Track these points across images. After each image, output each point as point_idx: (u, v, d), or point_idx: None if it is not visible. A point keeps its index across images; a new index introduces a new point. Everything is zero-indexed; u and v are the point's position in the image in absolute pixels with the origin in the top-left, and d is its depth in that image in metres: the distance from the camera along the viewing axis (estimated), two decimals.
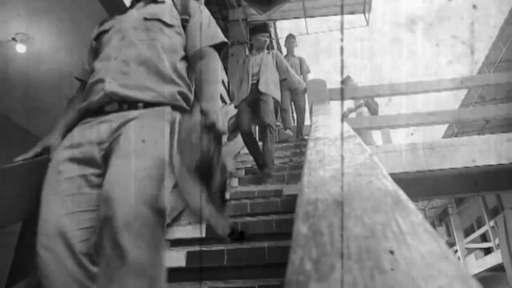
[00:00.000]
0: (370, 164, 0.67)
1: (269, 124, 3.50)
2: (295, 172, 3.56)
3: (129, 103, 1.13)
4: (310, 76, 6.01)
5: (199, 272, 2.04)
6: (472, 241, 14.08)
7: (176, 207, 2.55)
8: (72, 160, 1.10)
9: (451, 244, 15.29)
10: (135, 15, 1.31)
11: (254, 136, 3.70)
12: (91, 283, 0.95)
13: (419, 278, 0.30)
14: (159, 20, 1.26)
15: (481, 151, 3.81)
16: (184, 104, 1.23)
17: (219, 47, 1.33)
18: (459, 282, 0.31)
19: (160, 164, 1.03)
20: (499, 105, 4.87)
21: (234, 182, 3.50)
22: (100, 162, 1.08)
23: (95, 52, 1.34)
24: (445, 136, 12.61)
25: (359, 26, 8.92)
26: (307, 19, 8.56)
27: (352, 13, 8.43)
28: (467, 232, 15.05)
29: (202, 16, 1.35)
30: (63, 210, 1.02)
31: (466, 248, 14.33)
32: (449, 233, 16.42)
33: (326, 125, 1.66)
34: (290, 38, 6.20)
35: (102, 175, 1.05)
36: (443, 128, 12.87)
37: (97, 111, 1.16)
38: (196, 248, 2.13)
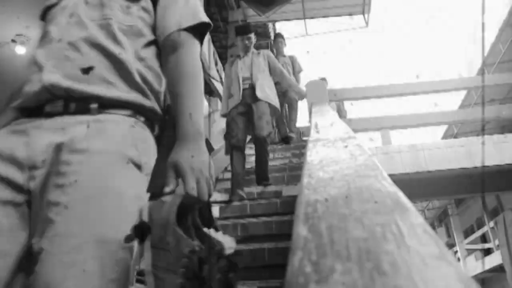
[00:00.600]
0: (370, 166, 0.67)
1: (265, 137, 3.20)
2: (294, 173, 3.57)
3: (77, 101, 0.81)
4: (303, 75, 5.74)
5: None
6: (472, 242, 14.07)
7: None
8: None
9: (451, 245, 15.29)
10: None
11: (244, 152, 3.29)
12: None
13: (419, 280, 0.30)
14: None
15: (480, 152, 3.82)
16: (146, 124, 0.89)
17: (200, 31, 0.97)
18: (458, 284, 0.31)
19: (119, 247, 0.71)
20: (498, 106, 4.87)
21: None
22: (26, 189, 0.75)
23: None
24: (445, 137, 12.62)
25: (359, 27, 8.94)
26: (307, 20, 8.58)
27: (351, 14, 8.44)
28: (467, 233, 15.04)
29: None
30: None
31: (466, 249, 14.32)
32: (449, 234, 16.42)
33: (325, 126, 1.66)
34: (278, 38, 5.79)
35: (27, 202, 0.75)
36: (442, 129, 12.88)
37: (34, 111, 0.83)
38: None
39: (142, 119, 0.87)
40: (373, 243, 0.37)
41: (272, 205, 2.71)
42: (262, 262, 1.96)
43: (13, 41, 3.60)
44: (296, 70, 5.48)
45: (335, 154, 0.85)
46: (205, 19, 0.97)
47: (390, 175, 0.61)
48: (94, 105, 0.80)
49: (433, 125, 4.33)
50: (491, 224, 11.89)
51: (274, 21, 8.59)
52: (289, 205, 2.66)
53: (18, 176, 0.74)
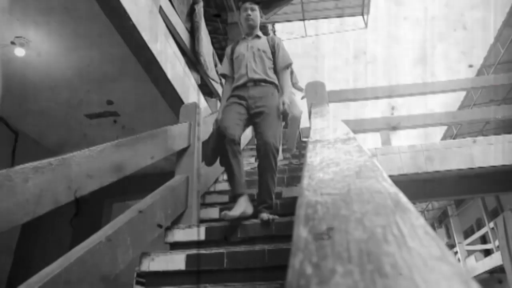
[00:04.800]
0: (370, 166, 0.67)
1: None
2: (294, 174, 3.56)
3: None
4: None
5: (198, 275, 2.03)
6: (472, 243, 14.07)
7: (175, 209, 2.54)
8: None
9: (451, 246, 15.28)
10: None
11: None
12: None
13: (421, 282, 0.30)
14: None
15: (480, 153, 3.81)
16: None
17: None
18: (460, 284, 0.31)
19: None
20: (498, 106, 4.88)
21: None
22: None
23: None
24: (444, 137, 12.62)
25: (358, 29, 8.95)
26: (306, 21, 8.58)
27: (351, 15, 8.45)
28: (467, 234, 15.04)
29: None
30: None
31: (466, 250, 14.32)
32: (449, 235, 16.41)
33: (325, 127, 1.65)
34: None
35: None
36: (442, 130, 12.88)
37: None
38: (196, 251, 2.12)
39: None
40: (374, 244, 0.37)
41: (272, 207, 2.70)
42: (262, 264, 1.96)
43: (12, 43, 3.60)
44: (293, 81, 4.98)
45: (335, 155, 0.84)
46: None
47: (390, 176, 0.60)
48: None
49: (432, 126, 4.33)
50: (491, 225, 11.89)
51: (273, 22, 8.60)
52: (289, 207, 2.66)
53: None
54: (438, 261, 0.33)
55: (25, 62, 3.84)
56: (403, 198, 0.48)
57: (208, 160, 2.71)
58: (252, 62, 2.81)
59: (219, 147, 2.57)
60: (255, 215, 2.44)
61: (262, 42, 2.93)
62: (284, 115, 2.64)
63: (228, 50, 3.06)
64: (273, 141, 2.49)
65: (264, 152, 2.50)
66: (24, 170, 1.26)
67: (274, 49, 2.90)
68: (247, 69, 2.79)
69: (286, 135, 4.84)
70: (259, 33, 3.02)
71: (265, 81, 2.75)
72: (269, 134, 2.52)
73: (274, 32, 9.34)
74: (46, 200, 1.36)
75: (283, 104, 2.63)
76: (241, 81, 2.78)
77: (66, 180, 1.53)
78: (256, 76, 2.76)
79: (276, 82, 2.81)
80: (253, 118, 2.67)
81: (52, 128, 5.03)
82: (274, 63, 2.87)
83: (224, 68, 3.01)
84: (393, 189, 0.52)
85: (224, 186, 3.59)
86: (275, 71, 2.86)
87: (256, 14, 2.98)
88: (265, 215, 2.36)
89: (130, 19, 3.15)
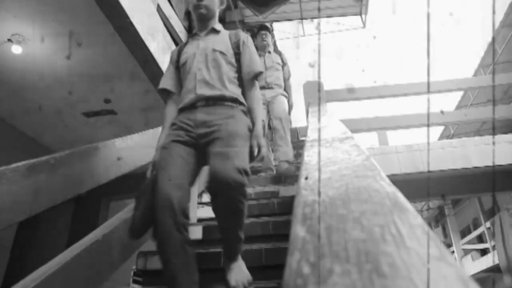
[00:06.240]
0: (368, 166, 0.67)
1: None
2: (292, 173, 3.56)
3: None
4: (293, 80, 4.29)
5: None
6: (469, 242, 14.12)
7: None
8: None
9: (448, 245, 15.33)
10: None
11: None
12: None
13: (419, 281, 0.30)
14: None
15: (477, 153, 3.82)
16: None
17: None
18: (458, 284, 0.31)
19: None
20: (496, 106, 4.89)
21: None
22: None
23: None
24: (442, 137, 12.65)
25: (355, 29, 8.96)
26: (304, 21, 8.58)
27: (348, 15, 8.45)
28: (464, 233, 15.09)
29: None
30: None
31: (463, 249, 14.37)
32: (445, 234, 16.47)
33: (323, 126, 1.65)
34: (262, 30, 4.06)
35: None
36: (439, 129, 12.92)
37: None
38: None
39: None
40: (372, 244, 0.37)
41: (270, 206, 2.70)
42: (259, 263, 1.96)
43: (9, 40, 3.58)
44: (285, 75, 4.15)
45: (332, 155, 0.84)
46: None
47: (387, 175, 0.60)
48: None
49: (431, 126, 4.34)
50: (488, 224, 11.94)
51: (271, 22, 8.59)
52: (287, 206, 2.66)
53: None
54: (436, 261, 0.33)
55: (22, 59, 3.82)
56: (401, 198, 0.48)
57: (135, 230, 1.60)
58: (204, 69, 1.86)
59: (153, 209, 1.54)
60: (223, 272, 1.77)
61: (221, 39, 1.98)
62: (252, 158, 1.76)
63: (173, 53, 2.09)
64: (236, 175, 1.50)
65: (224, 198, 1.54)
66: (21, 168, 1.25)
67: (238, 50, 1.95)
68: (195, 81, 1.84)
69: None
70: (217, 26, 2.05)
71: (223, 98, 1.81)
72: (228, 163, 1.53)
73: (272, 31, 9.30)
74: (43, 198, 1.36)
75: (259, 149, 1.77)
76: (187, 100, 1.84)
77: (63, 179, 1.52)
78: (209, 92, 1.81)
79: (242, 99, 1.88)
80: (203, 149, 1.72)
81: (49, 126, 5.02)
82: (239, 70, 1.93)
83: (165, 80, 2.02)
84: (391, 189, 0.52)
85: None
86: (240, 84, 1.93)
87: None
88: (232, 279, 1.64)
89: (127, 17, 3.14)
